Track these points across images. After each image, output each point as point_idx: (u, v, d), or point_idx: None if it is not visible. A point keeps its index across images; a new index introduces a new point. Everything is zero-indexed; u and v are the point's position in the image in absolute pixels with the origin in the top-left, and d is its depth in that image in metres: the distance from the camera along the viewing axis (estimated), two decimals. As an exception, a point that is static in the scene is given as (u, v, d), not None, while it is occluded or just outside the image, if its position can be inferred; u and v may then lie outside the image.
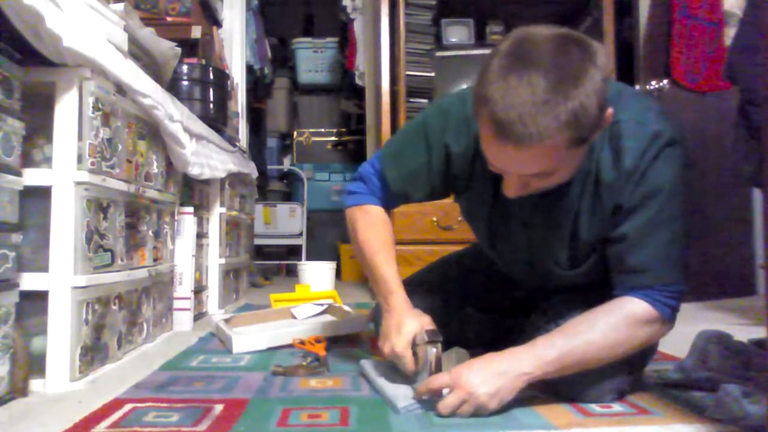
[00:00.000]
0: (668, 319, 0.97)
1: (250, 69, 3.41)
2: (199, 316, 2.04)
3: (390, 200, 1.18)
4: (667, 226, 0.94)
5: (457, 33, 2.80)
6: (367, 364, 1.20)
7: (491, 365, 0.94)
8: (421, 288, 1.29)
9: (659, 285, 0.95)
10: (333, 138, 4.55)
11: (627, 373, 1.03)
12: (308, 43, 4.43)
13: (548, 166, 0.85)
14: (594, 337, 0.94)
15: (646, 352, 1.07)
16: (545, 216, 1.02)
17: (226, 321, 1.69)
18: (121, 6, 1.33)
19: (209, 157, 1.94)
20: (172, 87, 1.90)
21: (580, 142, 0.83)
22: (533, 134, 0.79)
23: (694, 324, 1.39)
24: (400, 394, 1.01)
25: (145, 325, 1.52)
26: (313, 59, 4.43)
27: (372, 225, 1.15)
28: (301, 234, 4.11)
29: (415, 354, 1.00)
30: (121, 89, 1.31)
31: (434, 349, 0.98)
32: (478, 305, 1.40)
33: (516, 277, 1.25)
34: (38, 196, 1.13)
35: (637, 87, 2.50)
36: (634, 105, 0.95)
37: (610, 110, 0.85)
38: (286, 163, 4.65)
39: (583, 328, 0.95)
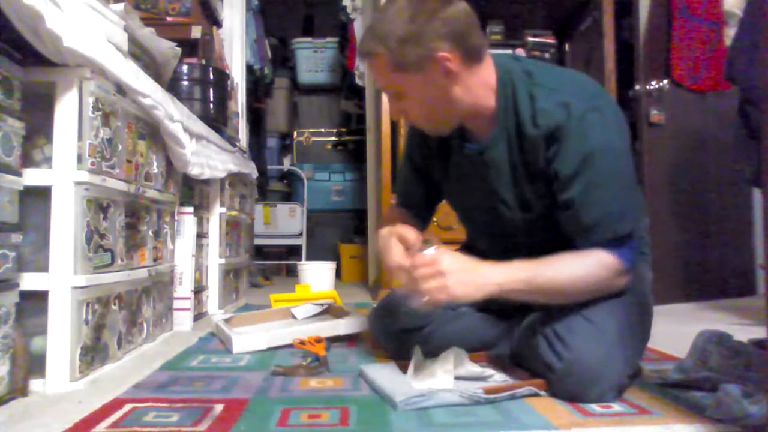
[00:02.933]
0: (626, 270, 1.05)
1: (250, 69, 3.41)
2: (199, 316, 2.04)
3: (404, 210, 1.34)
4: (608, 184, 1.03)
5: (457, 33, 2.80)
6: (366, 368, 1.20)
7: (471, 264, 1.03)
8: None
9: (615, 237, 1.03)
10: (333, 138, 4.55)
11: (626, 370, 1.05)
12: (308, 43, 4.43)
13: (387, 83, 1.07)
14: (562, 268, 1.03)
15: (644, 337, 1.14)
16: (486, 168, 1.14)
17: (226, 321, 1.69)
18: (121, 6, 1.33)
19: (209, 157, 1.94)
20: (172, 87, 1.90)
21: (402, 67, 1.02)
22: (364, 50, 1.05)
23: (694, 324, 1.39)
24: (398, 390, 1.01)
25: (145, 325, 1.52)
26: (313, 59, 4.43)
27: (388, 214, 1.40)
28: (301, 234, 4.11)
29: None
30: (121, 89, 1.31)
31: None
32: (477, 306, 1.40)
33: (491, 248, 1.27)
34: (38, 196, 1.13)
35: (638, 87, 2.50)
36: (555, 75, 1.09)
37: (441, 54, 1.00)
38: (286, 163, 4.65)
39: (554, 259, 1.04)
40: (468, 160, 1.16)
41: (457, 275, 0.99)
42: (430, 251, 1.03)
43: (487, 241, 1.30)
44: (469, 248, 1.37)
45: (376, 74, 1.08)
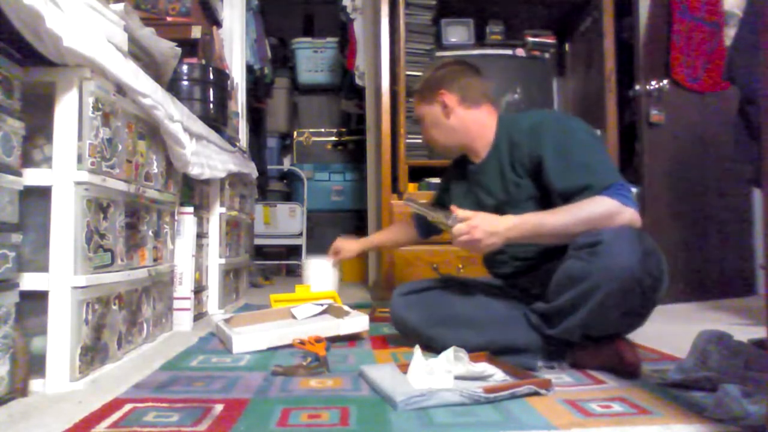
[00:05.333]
0: (624, 206, 1.19)
1: (250, 69, 3.40)
2: (199, 316, 2.04)
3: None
4: (583, 152, 1.27)
5: (457, 33, 2.80)
6: (366, 368, 1.20)
7: (494, 220, 1.25)
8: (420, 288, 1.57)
9: (605, 187, 1.20)
10: (333, 138, 4.54)
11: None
12: (308, 43, 4.43)
13: (417, 111, 1.57)
14: (564, 212, 1.22)
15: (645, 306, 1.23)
16: (482, 176, 1.50)
17: (226, 321, 1.69)
18: (121, 6, 1.33)
19: (209, 157, 1.93)
20: (172, 87, 1.90)
21: (422, 100, 1.54)
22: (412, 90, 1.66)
23: (694, 324, 1.39)
24: (398, 390, 1.02)
25: (145, 325, 1.52)
26: (313, 59, 4.42)
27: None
28: (301, 234, 4.11)
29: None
30: (121, 89, 1.31)
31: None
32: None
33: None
34: (38, 196, 1.13)
35: (638, 87, 2.50)
36: (529, 113, 1.47)
37: (442, 91, 1.49)
38: (286, 163, 4.64)
39: (559, 208, 1.24)
40: (470, 173, 1.56)
41: (483, 228, 1.23)
42: (455, 219, 1.26)
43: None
44: None
45: (414, 106, 1.59)
